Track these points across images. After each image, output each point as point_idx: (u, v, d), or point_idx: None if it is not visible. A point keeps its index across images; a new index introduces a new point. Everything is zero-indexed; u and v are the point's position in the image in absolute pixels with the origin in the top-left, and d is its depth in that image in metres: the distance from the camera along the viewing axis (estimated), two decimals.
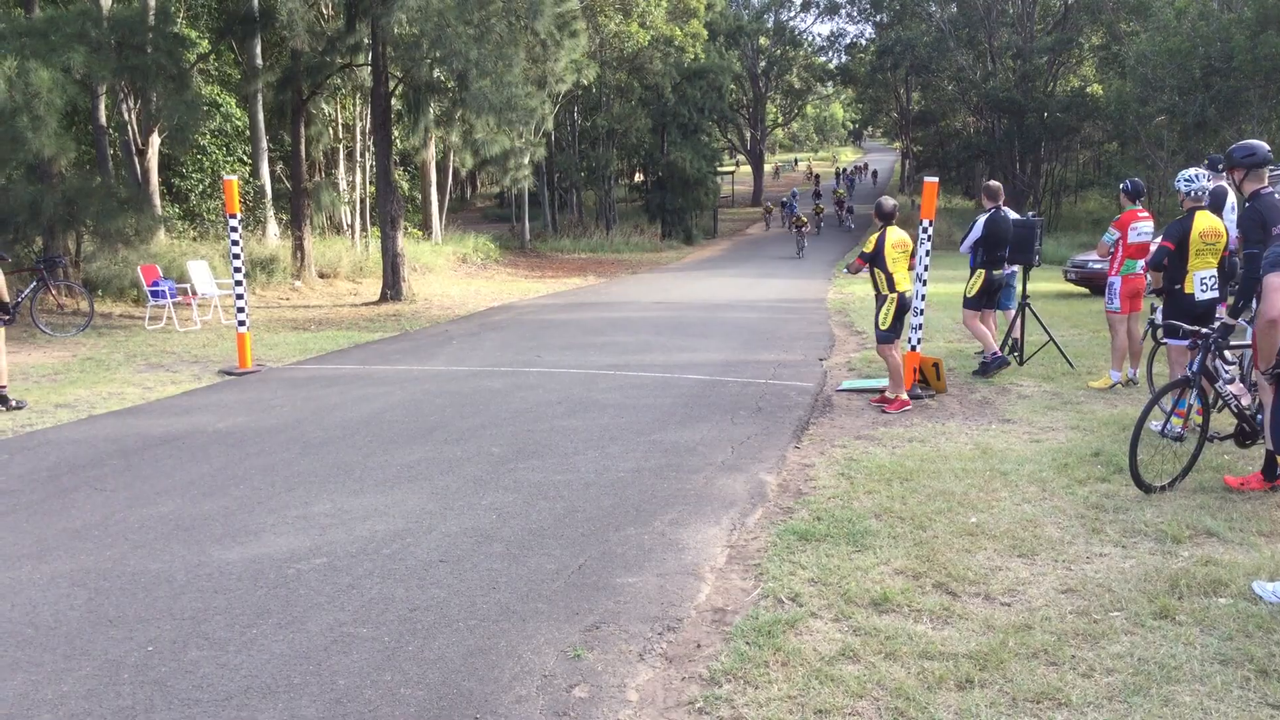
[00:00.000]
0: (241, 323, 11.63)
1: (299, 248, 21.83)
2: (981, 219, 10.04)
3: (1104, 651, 4.01)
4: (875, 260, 8.82)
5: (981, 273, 10.04)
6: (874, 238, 8.83)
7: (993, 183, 10.46)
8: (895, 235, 8.81)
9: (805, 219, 38.47)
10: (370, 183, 26.96)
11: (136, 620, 4.45)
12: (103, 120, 19.13)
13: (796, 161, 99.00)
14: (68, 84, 14.51)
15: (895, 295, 8.82)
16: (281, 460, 7.27)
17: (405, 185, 31.71)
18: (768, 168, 77.71)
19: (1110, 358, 9.84)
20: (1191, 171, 7.38)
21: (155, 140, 19.98)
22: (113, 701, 3.73)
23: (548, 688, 3.82)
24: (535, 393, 9.85)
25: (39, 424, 8.69)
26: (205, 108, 21.12)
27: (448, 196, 33.71)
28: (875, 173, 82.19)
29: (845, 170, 79.05)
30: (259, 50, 22.88)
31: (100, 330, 14.92)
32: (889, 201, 9.00)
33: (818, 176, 69.13)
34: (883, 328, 8.88)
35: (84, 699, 3.75)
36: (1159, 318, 7.62)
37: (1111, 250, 9.43)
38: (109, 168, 19.64)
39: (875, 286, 8.95)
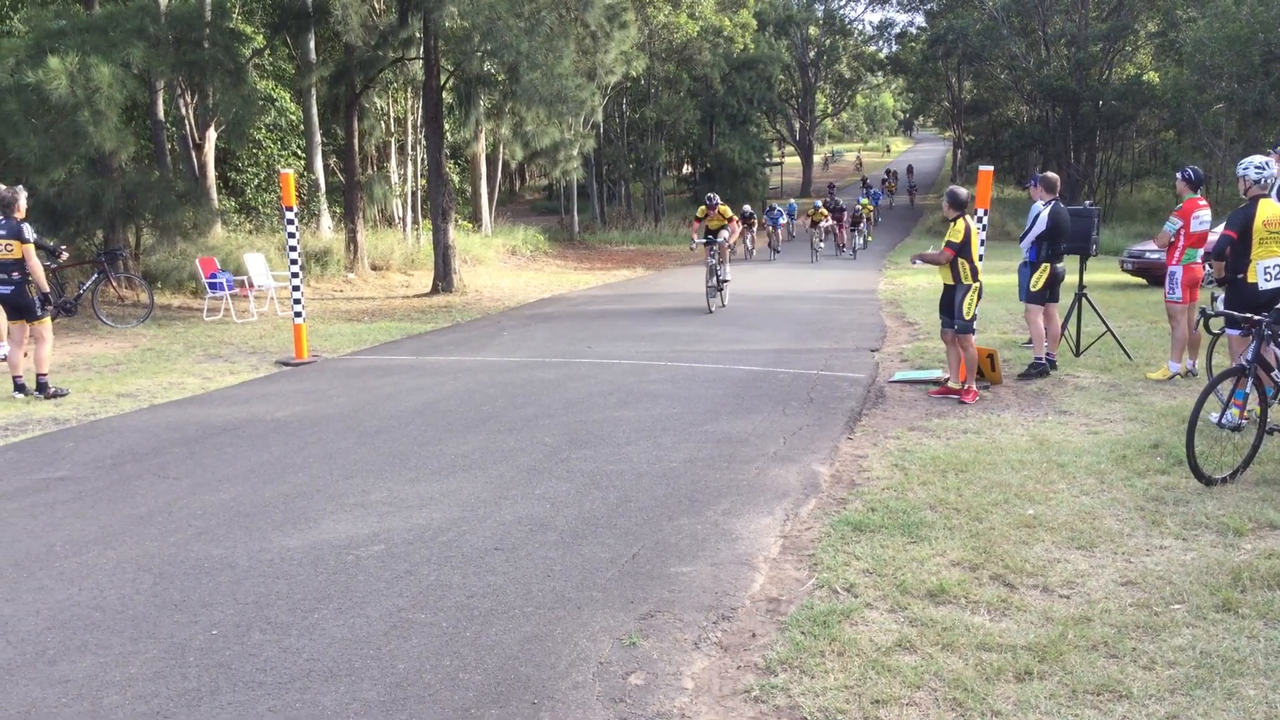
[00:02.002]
0: (298, 314, 11.79)
1: (352, 240, 22.07)
2: (1045, 212, 9.86)
3: (1165, 644, 3.97)
4: (963, 250, 8.71)
5: (1046, 266, 9.87)
6: (961, 226, 8.69)
7: (1050, 174, 10.30)
8: (974, 224, 8.72)
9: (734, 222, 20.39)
10: (421, 176, 27.16)
11: (201, 604, 4.54)
12: (161, 115, 19.45)
13: (833, 154, 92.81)
14: (127, 79, 14.77)
15: (978, 285, 8.74)
16: (339, 449, 7.37)
17: (456, 178, 31.90)
18: (816, 158, 77.18)
19: (1170, 348, 9.69)
20: (1260, 159, 7.23)
21: (212, 134, 20.29)
22: (179, 683, 3.81)
23: (604, 674, 3.85)
24: (587, 383, 9.89)
25: (102, 413, 8.88)
26: (260, 102, 21.40)
27: (497, 189, 33.92)
28: (910, 168, 66.18)
29: (876, 180, 59.64)
30: (313, 45, 23.13)
31: (160, 321, 15.19)
32: (963, 191, 8.90)
33: (832, 185, 50.10)
34: (967, 318, 8.76)
35: (151, 680, 3.84)
36: (1218, 307, 7.49)
37: (1173, 240, 9.28)
38: (167, 162, 19.97)
39: (956, 277, 8.77)
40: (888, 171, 63.06)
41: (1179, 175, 9.43)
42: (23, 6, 22.22)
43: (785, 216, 36.31)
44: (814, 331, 13.70)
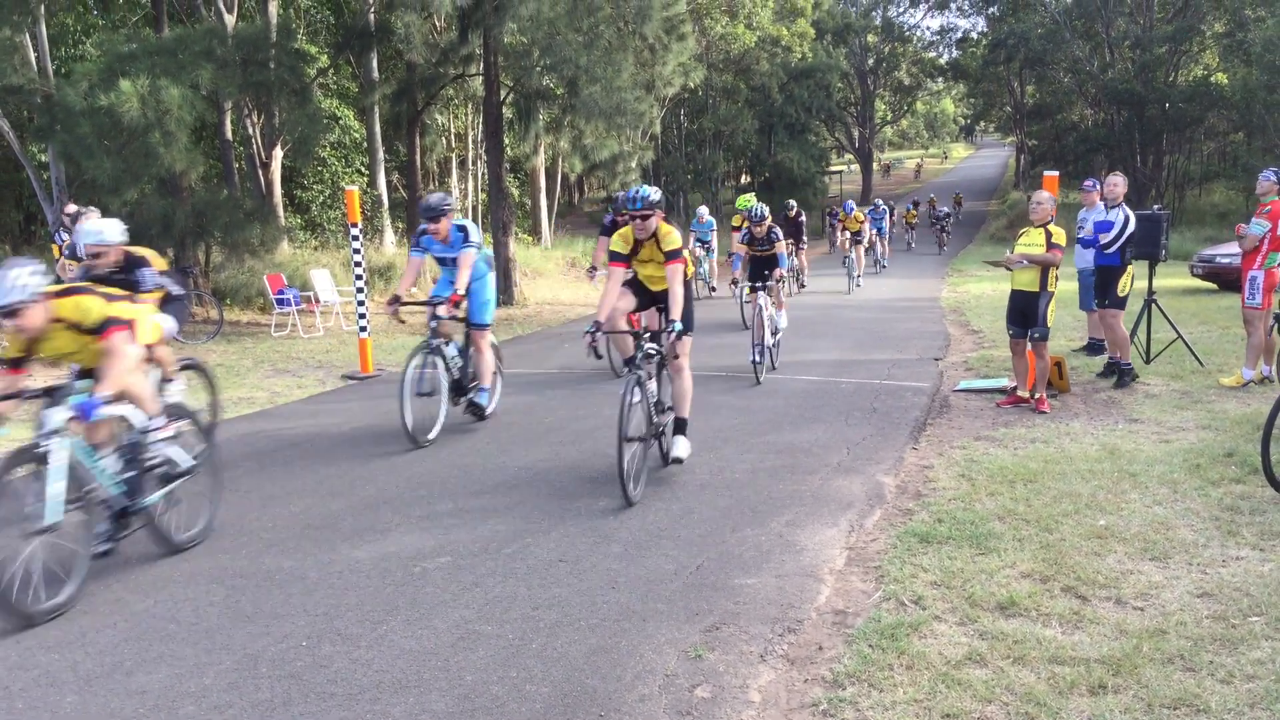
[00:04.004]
0: (363, 329, 11.96)
1: None
2: (1130, 215, 9.60)
3: (1244, 657, 3.88)
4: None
5: (1131, 270, 9.66)
6: (1059, 230, 8.52)
7: (1121, 176, 10.12)
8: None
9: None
10: (482, 190, 27.45)
11: (272, 616, 4.61)
12: (228, 135, 19.87)
13: (896, 164, 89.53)
14: (196, 100, 15.10)
15: (1055, 291, 8.58)
16: (404, 461, 7.45)
17: (515, 191, 32.16)
18: (876, 166, 76.56)
19: (1245, 354, 9.47)
20: None
21: (278, 153, 20.69)
22: (252, 694, 3.87)
23: (670, 687, 3.84)
24: None
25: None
26: (325, 121, 21.76)
27: (556, 202, 34.17)
28: (959, 199, 53.14)
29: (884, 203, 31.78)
30: (375, 64, 23.53)
31: (229, 337, 15.48)
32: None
33: (828, 212, 36.03)
34: (1050, 324, 8.59)
35: (225, 691, 3.91)
36: None
37: (1259, 243, 9.05)
38: (235, 181, 20.39)
39: (1044, 283, 8.54)
40: (914, 204, 44.46)
41: (1266, 176, 9.16)
42: (95, 31, 22.85)
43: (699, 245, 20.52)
44: (875, 340, 13.59)
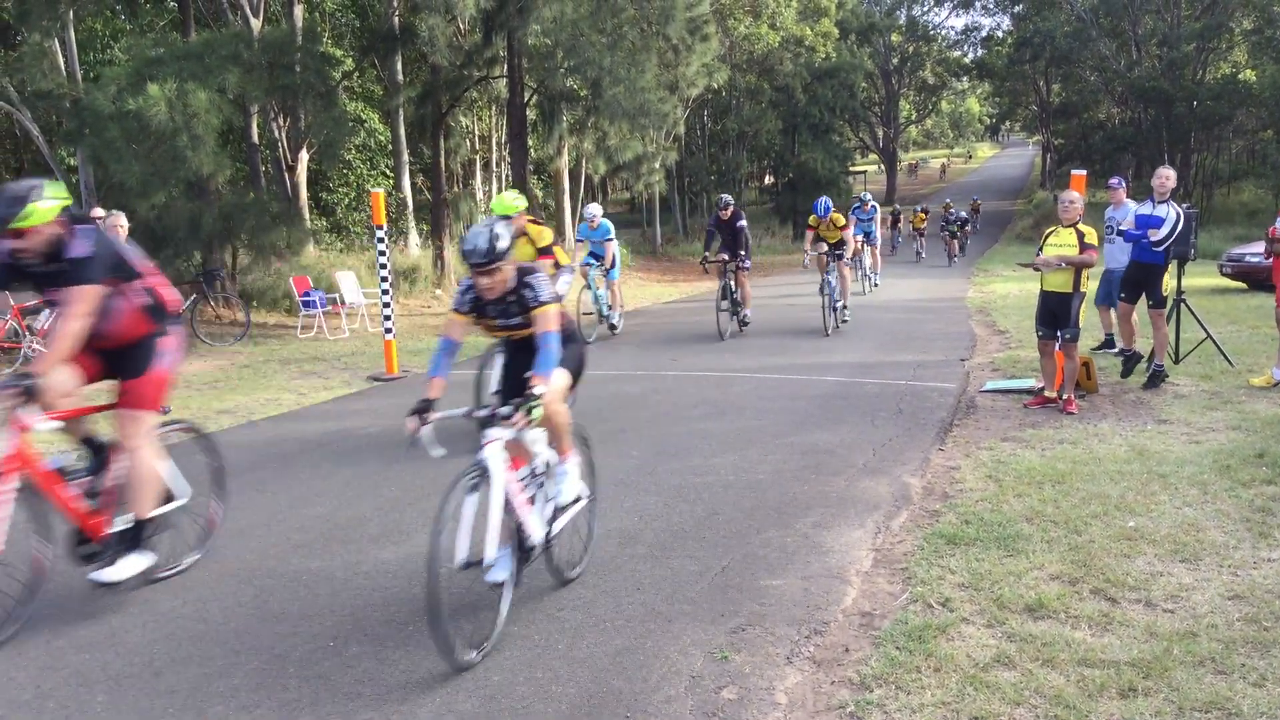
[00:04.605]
0: (388, 330, 12.01)
1: (439, 257, 22.42)
2: (1180, 212, 9.39)
3: (1276, 660, 3.84)
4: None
5: (1169, 268, 9.55)
6: (1090, 229, 8.46)
7: (1170, 170, 9.98)
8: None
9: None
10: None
11: (300, 616, 4.64)
12: (255, 138, 20.00)
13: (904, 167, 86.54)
14: (223, 104, 15.23)
15: (1087, 291, 8.51)
16: (429, 462, 7.43)
17: (539, 193, 32.21)
18: (901, 166, 76.22)
19: (1276, 355, 9.37)
20: None
21: (304, 156, 20.81)
22: (280, 694, 3.89)
23: (696, 688, 3.84)
24: (671, 396, 9.89)
25: (202, 430, 9.11)
26: (350, 124, 21.89)
27: (580, 203, 34.16)
28: (977, 205, 45.94)
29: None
30: (400, 67, 23.61)
31: (256, 339, 15.58)
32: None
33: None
34: (1081, 325, 8.53)
35: (253, 691, 3.93)
36: None
37: None
38: (261, 184, 20.54)
39: (1076, 284, 8.44)
40: (923, 208, 35.66)
41: None
42: (123, 36, 23.08)
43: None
44: (900, 341, 13.52)
